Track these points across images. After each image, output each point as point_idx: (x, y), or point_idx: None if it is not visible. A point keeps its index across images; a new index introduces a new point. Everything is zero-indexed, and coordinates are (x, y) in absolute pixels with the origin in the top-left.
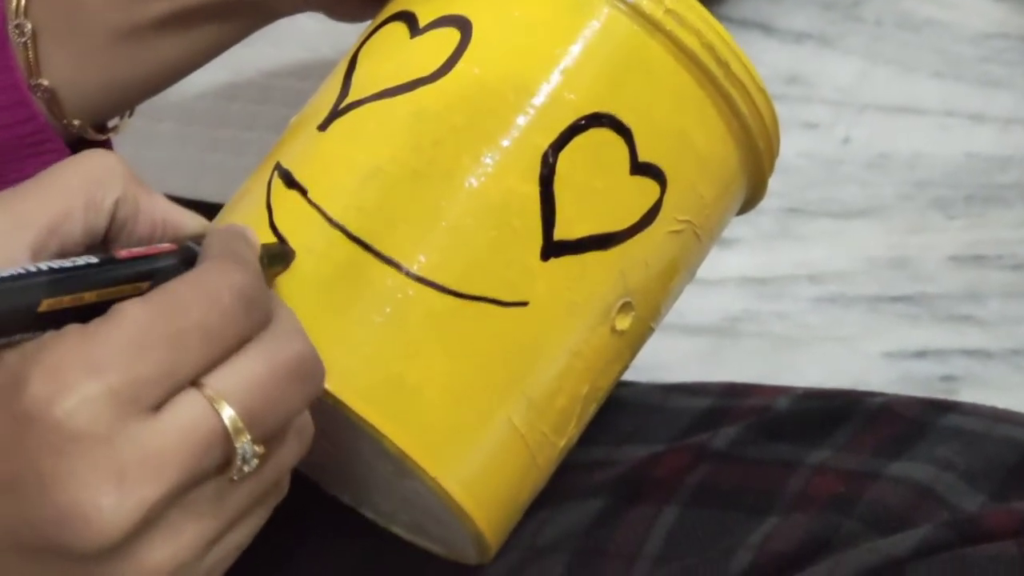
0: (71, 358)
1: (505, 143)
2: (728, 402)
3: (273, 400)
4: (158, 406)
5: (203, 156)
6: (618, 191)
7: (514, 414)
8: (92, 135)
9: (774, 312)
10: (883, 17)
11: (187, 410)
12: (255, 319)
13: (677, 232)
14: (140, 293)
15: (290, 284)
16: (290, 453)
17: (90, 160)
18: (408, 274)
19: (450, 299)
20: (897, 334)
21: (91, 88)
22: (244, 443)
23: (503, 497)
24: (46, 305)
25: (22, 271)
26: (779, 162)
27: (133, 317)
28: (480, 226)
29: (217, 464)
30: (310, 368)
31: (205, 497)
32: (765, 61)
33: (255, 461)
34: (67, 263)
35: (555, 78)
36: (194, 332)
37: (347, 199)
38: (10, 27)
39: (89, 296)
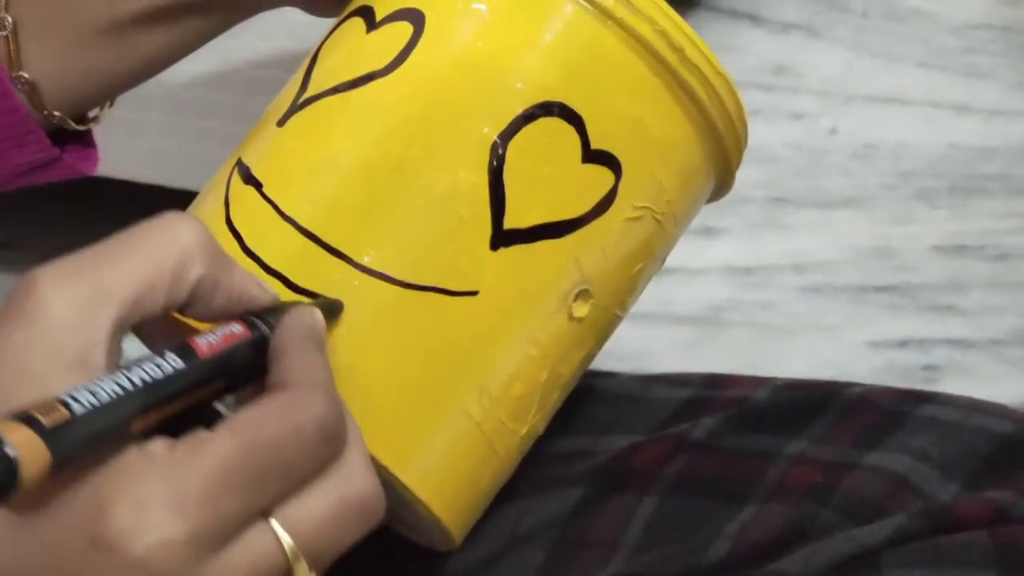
0: (157, 493)
1: (454, 133)
2: (708, 393)
3: (336, 537)
4: (232, 537)
5: (190, 146)
6: (570, 179)
7: (469, 403)
8: (72, 126)
9: (759, 301)
10: (869, 8)
11: (256, 544)
12: (331, 451)
13: (635, 219)
14: (216, 390)
15: None
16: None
17: (177, 229)
18: (357, 266)
19: (400, 290)
20: (881, 323)
21: (72, 80)
22: (301, 572)
23: (462, 486)
24: (138, 427)
25: (117, 392)
26: (765, 152)
27: (221, 453)
28: (428, 217)
29: None
30: (374, 507)
31: None
32: (753, 51)
33: None
34: (156, 371)
35: (504, 68)
36: (276, 465)
37: (299, 193)
38: None
39: (176, 406)
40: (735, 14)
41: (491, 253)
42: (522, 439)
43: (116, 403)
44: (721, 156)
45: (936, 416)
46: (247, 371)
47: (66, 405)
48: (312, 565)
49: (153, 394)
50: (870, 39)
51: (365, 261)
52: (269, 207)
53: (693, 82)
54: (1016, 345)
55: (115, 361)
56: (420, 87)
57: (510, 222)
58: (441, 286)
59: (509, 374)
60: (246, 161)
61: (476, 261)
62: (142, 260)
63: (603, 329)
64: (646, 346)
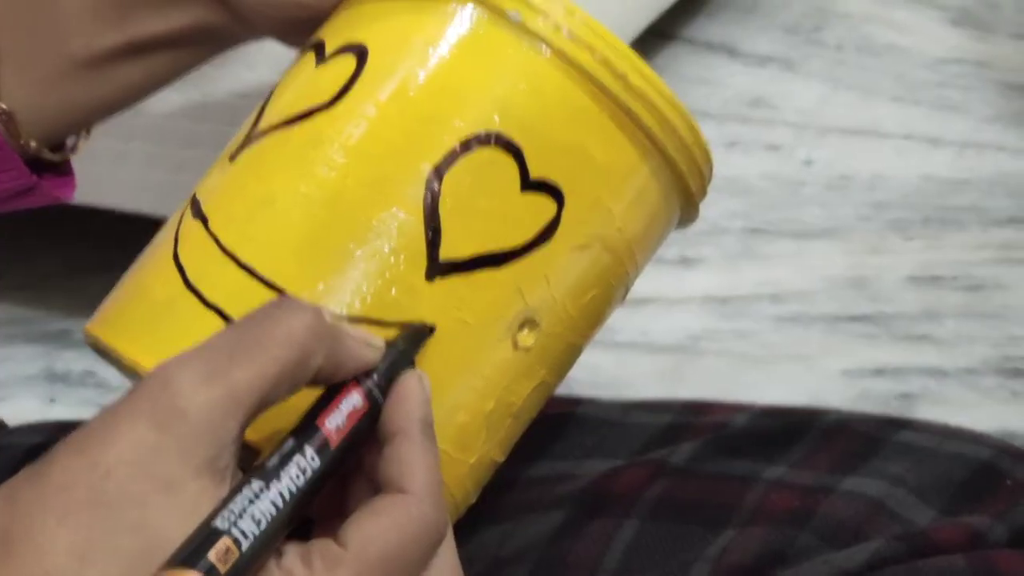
0: None
1: (390, 166)
2: (687, 419)
3: None
4: None
5: (173, 176)
6: (509, 209)
7: None
8: (49, 156)
9: (736, 331)
10: (844, 42)
11: None
12: (433, 554)
13: (583, 247)
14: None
15: (182, 310)
16: None
17: (296, 322)
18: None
19: None
20: (856, 352)
21: (49, 111)
22: None
23: None
24: (283, 539)
25: (273, 513)
26: (741, 183)
27: (355, 571)
28: (363, 249)
29: None
30: None
31: None
32: (729, 84)
33: None
34: (301, 478)
35: (441, 99)
36: None
37: (239, 228)
38: None
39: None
40: (711, 47)
41: (427, 284)
42: (472, 468)
43: (275, 525)
44: (678, 182)
45: (912, 442)
46: (363, 444)
47: (236, 543)
48: None
49: (302, 501)
50: (845, 72)
51: (302, 295)
52: (212, 242)
53: (638, 108)
54: (990, 374)
55: (237, 455)
56: (358, 121)
57: (446, 253)
58: (376, 317)
59: (451, 403)
60: (199, 196)
61: (412, 293)
62: (268, 363)
63: (558, 358)
64: (625, 375)
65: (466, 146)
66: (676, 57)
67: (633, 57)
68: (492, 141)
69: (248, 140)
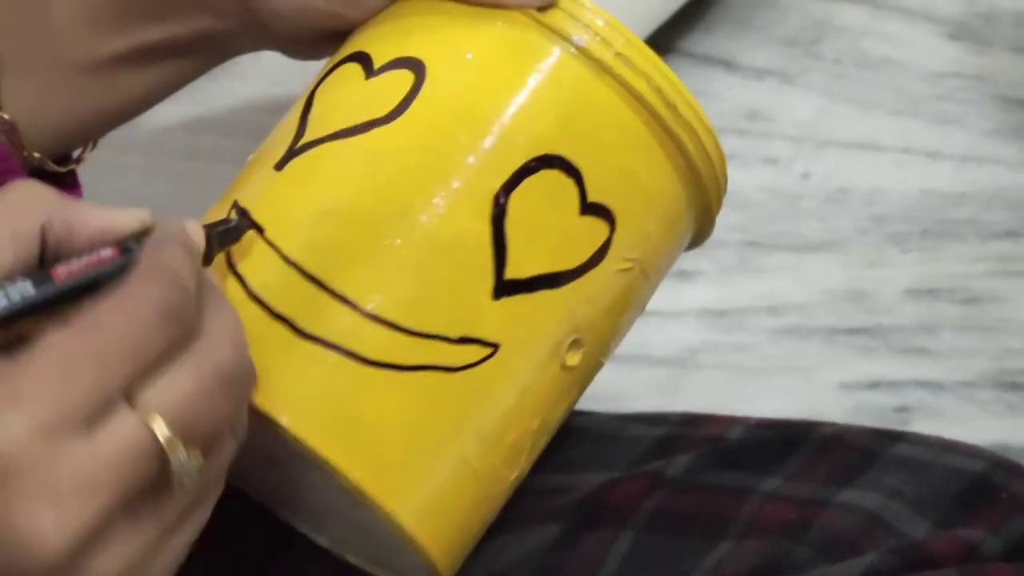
0: None
1: (457, 184)
2: (683, 431)
3: (205, 410)
4: (91, 425)
5: (170, 189)
6: (568, 231)
7: (467, 449)
8: (52, 167)
9: (733, 344)
10: (842, 55)
11: (119, 428)
12: (180, 332)
13: (625, 270)
14: None
15: (247, 320)
16: (227, 452)
17: (8, 193)
18: (362, 312)
19: (403, 337)
20: (853, 365)
21: (52, 121)
22: (180, 455)
23: (456, 530)
24: None
25: None
26: (739, 196)
27: (54, 344)
28: (432, 265)
29: (155, 474)
30: (240, 374)
31: (151, 503)
32: (727, 97)
33: (194, 466)
34: (3, 300)
35: (506, 120)
36: (116, 350)
37: (302, 238)
38: None
39: (30, 327)
40: (709, 60)
41: (493, 303)
42: (511, 484)
43: None
44: (704, 207)
45: (908, 455)
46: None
47: None
48: (185, 439)
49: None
50: (843, 86)
51: (370, 308)
52: (272, 251)
53: (684, 137)
54: (987, 388)
55: None
56: (422, 138)
57: (511, 272)
58: (444, 334)
59: (505, 422)
60: (243, 203)
61: (478, 310)
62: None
63: (588, 377)
64: (622, 387)
65: (531, 167)
66: (674, 70)
67: (682, 87)
68: (555, 163)
69: (295, 150)
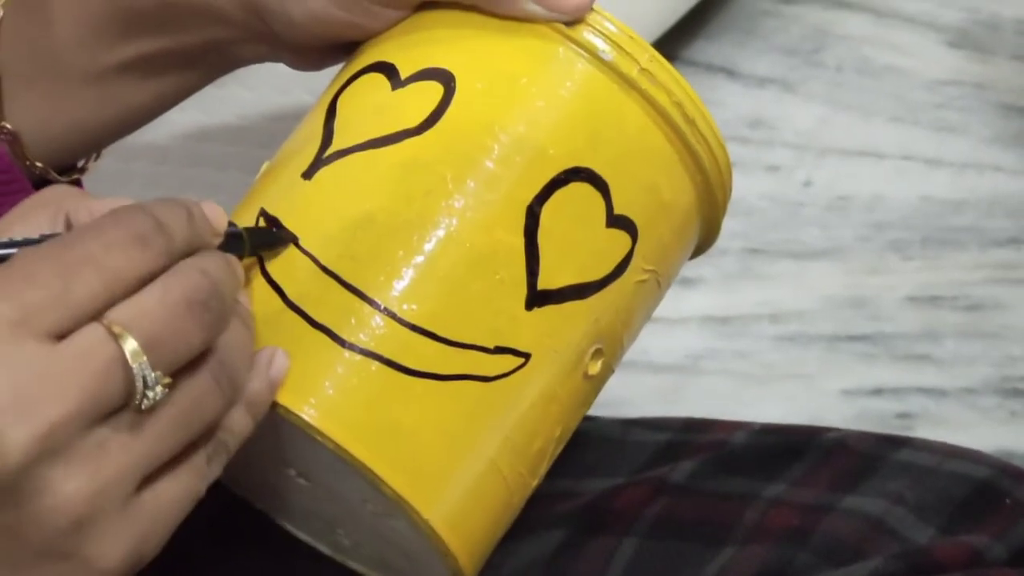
0: None
1: (492, 195)
2: (687, 437)
3: (169, 328)
4: (58, 334)
5: (177, 195)
6: (595, 242)
7: (498, 457)
8: (55, 177)
9: (735, 350)
10: (843, 63)
11: (85, 338)
12: (151, 258)
13: (643, 281)
14: None
15: (287, 329)
16: (204, 389)
17: (41, 192)
18: (402, 322)
19: (441, 346)
20: (855, 372)
21: (55, 131)
22: (143, 367)
23: (483, 536)
24: None
25: None
26: (741, 204)
27: (25, 254)
28: (469, 276)
29: (121, 391)
30: (203, 297)
31: (119, 429)
32: (729, 105)
33: (159, 389)
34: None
35: (538, 133)
36: (83, 263)
37: (340, 248)
38: None
39: None
40: (711, 68)
41: (526, 313)
42: (531, 492)
43: None
44: (711, 217)
45: (912, 461)
46: None
47: None
48: (153, 358)
49: None
50: (844, 94)
51: (409, 317)
52: (308, 260)
53: (701, 151)
54: (989, 394)
55: None
56: (456, 149)
57: (543, 283)
58: (481, 344)
59: (533, 429)
60: (272, 212)
61: (513, 321)
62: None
63: (603, 384)
64: (625, 394)
65: (562, 179)
66: None
67: (700, 102)
68: (584, 176)
69: (324, 159)
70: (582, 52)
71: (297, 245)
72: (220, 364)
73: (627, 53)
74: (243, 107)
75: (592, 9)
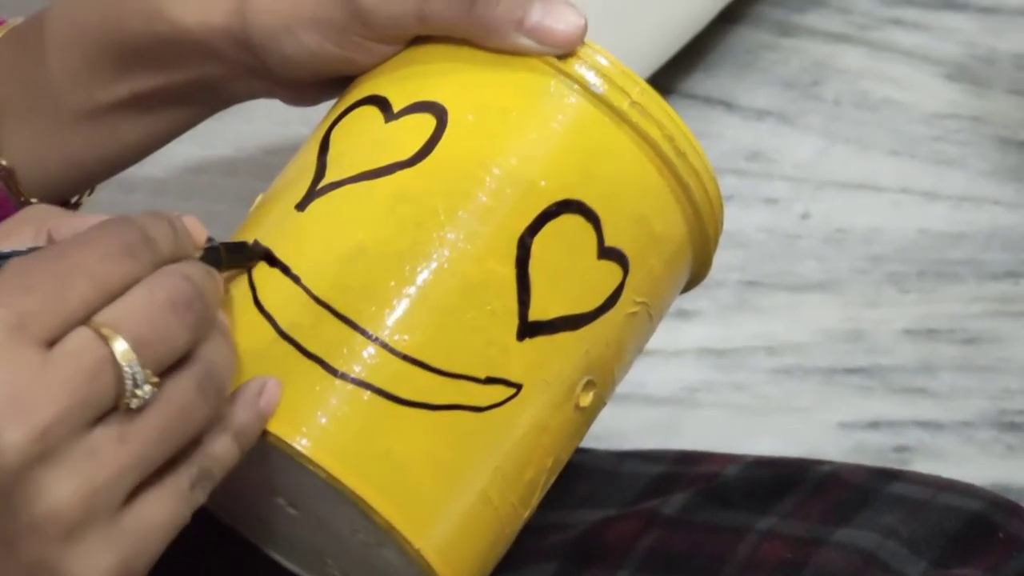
0: None
1: (483, 227)
2: (680, 469)
3: (156, 328)
4: (50, 340)
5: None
6: (586, 274)
7: (489, 487)
8: None
9: (732, 383)
10: (841, 97)
11: (75, 340)
12: (139, 267)
13: (634, 313)
14: None
15: (279, 359)
16: (189, 396)
17: (23, 211)
18: (394, 352)
19: (433, 376)
20: (852, 405)
21: (50, 167)
22: (132, 365)
23: (474, 566)
24: None
25: None
26: (739, 236)
27: (17, 262)
28: (461, 306)
29: (111, 390)
30: (187, 299)
31: (109, 433)
32: (727, 137)
33: (148, 387)
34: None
35: (530, 166)
36: (76, 271)
37: (332, 278)
38: None
39: None
40: (709, 100)
41: (518, 344)
42: (523, 522)
43: None
44: (705, 253)
45: (905, 494)
46: None
47: None
48: (141, 356)
49: None
50: (842, 127)
51: (401, 347)
52: (301, 291)
53: (692, 184)
54: (986, 427)
55: None
56: (447, 180)
57: (535, 314)
58: (473, 375)
59: (525, 460)
60: (265, 243)
61: (505, 351)
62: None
63: (595, 416)
64: (621, 426)
65: (553, 211)
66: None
67: (691, 135)
68: (575, 208)
69: (317, 191)
70: (573, 85)
71: (289, 275)
72: (205, 373)
73: (618, 86)
74: (240, 140)
75: (584, 42)
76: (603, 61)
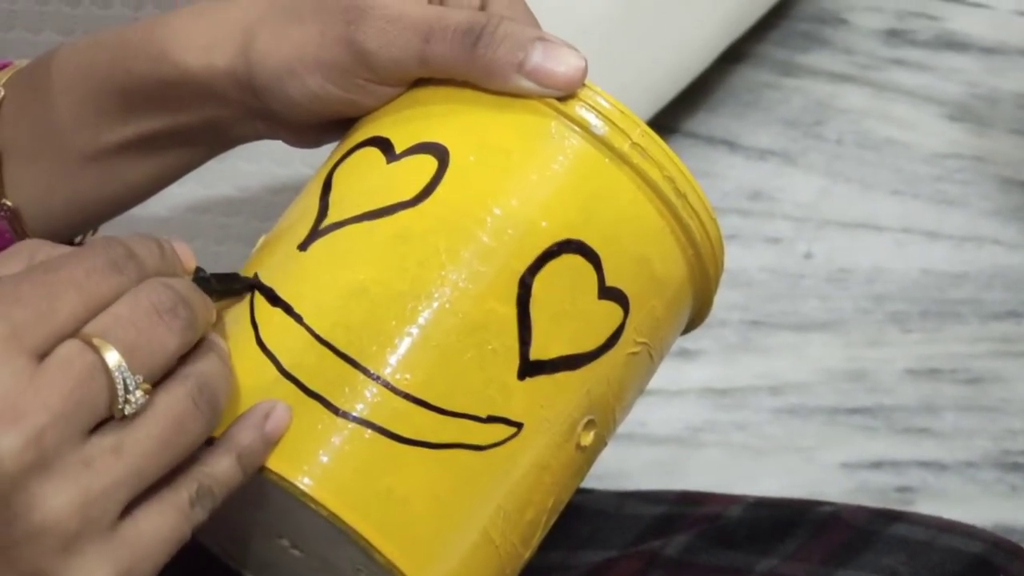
0: None
1: (484, 267)
2: (682, 509)
3: (143, 333)
4: (42, 352)
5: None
6: (587, 314)
7: (490, 526)
8: None
9: (734, 422)
10: (843, 136)
11: (66, 349)
12: (125, 281)
13: (635, 354)
14: None
15: (282, 398)
16: (184, 408)
17: (17, 245)
18: (395, 391)
19: (434, 415)
20: (854, 445)
21: (55, 208)
22: (122, 371)
23: None
24: None
25: None
26: (742, 275)
27: (7, 279)
28: (462, 346)
29: (103, 397)
30: (171, 305)
31: (104, 443)
32: (730, 177)
33: (140, 393)
34: None
35: (530, 205)
36: (65, 284)
37: (334, 317)
38: None
39: None
40: (712, 140)
41: (519, 383)
42: (525, 562)
43: None
44: (705, 293)
45: (906, 535)
46: None
47: None
48: (130, 363)
49: None
50: (844, 166)
51: (402, 386)
52: (303, 330)
53: (692, 225)
54: (989, 468)
55: None
56: (449, 221)
57: (536, 353)
58: (473, 413)
59: (526, 499)
60: (267, 283)
61: (505, 390)
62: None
63: (596, 456)
64: (624, 466)
65: (554, 251)
66: (677, 151)
67: (691, 177)
68: (575, 248)
69: (319, 231)
70: (574, 127)
71: (292, 315)
72: (198, 388)
73: (619, 128)
74: (243, 179)
75: (584, 84)
76: (604, 103)
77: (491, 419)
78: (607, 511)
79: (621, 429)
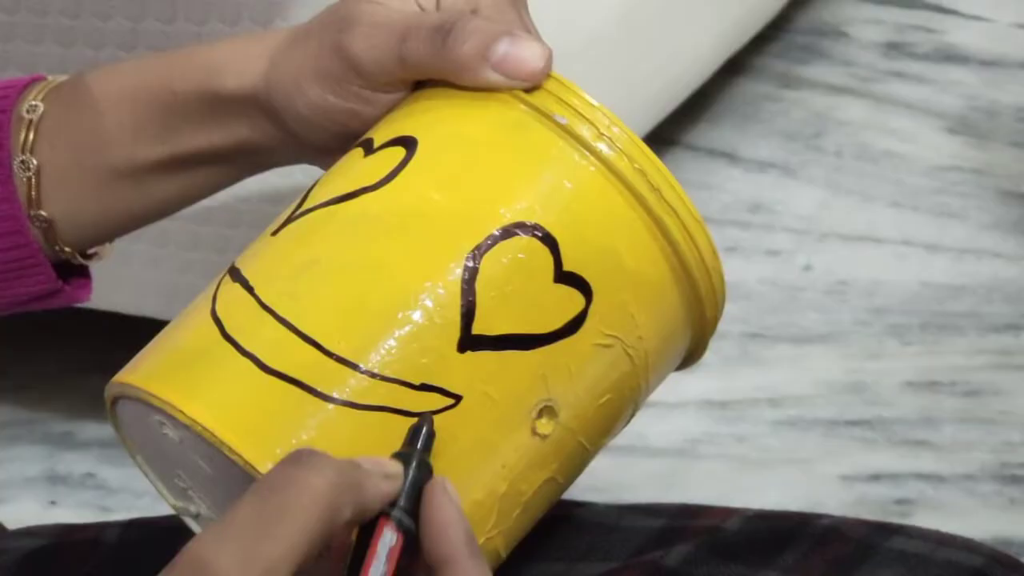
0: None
1: (432, 243)
2: (681, 522)
3: None
4: None
5: (176, 277)
6: (541, 296)
7: None
8: (79, 260)
9: (733, 435)
10: (843, 149)
11: None
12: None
13: (605, 346)
14: None
15: (218, 358)
16: None
17: (319, 482)
18: (327, 353)
19: (364, 377)
20: (853, 457)
21: (87, 221)
22: None
23: None
24: None
25: None
26: (741, 288)
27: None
28: (401, 315)
29: None
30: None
31: None
32: (729, 189)
33: None
34: None
35: (486, 189)
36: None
37: (280, 286)
38: (15, 162)
39: None
40: (712, 152)
41: (458, 355)
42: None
43: None
44: (697, 304)
45: (905, 549)
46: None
47: None
48: None
49: None
50: (844, 179)
51: (335, 349)
52: (252, 299)
53: (669, 222)
54: (988, 480)
55: None
56: (404, 201)
57: (479, 328)
58: (405, 379)
59: (468, 478)
60: (238, 265)
61: (442, 360)
62: (299, 533)
63: (569, 455)
64: (622, 478)
65: (507, 232)
66: (677, 163)
67: (667, 172)
68: (531, 232)
69: (291, 218)
70: (538, 116)
71: (245, 286)
72: None
73: (584, 118)
74: (243, 190)
75: (556, 78)
76: (570, 94)
77: (425, 387)
78: (607, 523)
79: (619, 441)
